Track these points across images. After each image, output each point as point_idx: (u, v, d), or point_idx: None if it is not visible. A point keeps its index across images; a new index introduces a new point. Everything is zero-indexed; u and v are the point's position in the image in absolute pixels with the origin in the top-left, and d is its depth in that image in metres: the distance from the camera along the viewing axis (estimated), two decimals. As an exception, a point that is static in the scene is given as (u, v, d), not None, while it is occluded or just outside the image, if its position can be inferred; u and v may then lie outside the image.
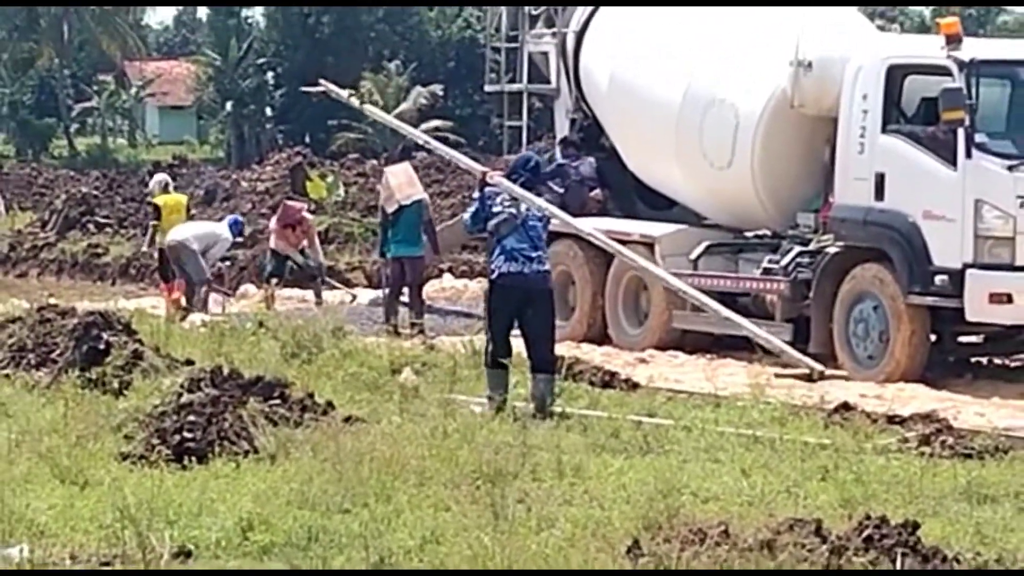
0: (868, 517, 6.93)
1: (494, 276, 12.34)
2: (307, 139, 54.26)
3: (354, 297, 20.91)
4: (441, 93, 57.93)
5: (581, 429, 11.17)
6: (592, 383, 13.58)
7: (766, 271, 16.24)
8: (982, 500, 8.61)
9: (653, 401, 12.67)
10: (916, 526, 6.88)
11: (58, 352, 13.02)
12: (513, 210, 12.25)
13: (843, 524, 6.99)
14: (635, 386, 13.61)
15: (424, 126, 48.20)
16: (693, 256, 16.70)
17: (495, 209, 12.31)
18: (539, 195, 13.62)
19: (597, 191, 18.38)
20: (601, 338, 17.38)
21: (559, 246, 17.43)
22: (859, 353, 15.07)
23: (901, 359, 14.61)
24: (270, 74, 67.64)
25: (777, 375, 14.52)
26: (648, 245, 16.95)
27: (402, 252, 18.31)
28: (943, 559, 6.71)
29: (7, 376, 12.81)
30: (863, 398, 13.22)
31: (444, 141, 39.36)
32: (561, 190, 18.06)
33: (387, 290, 18.87)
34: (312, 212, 24.17)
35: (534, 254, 12.19)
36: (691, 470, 9.42)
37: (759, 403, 12.36)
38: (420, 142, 24.34)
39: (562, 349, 14.74)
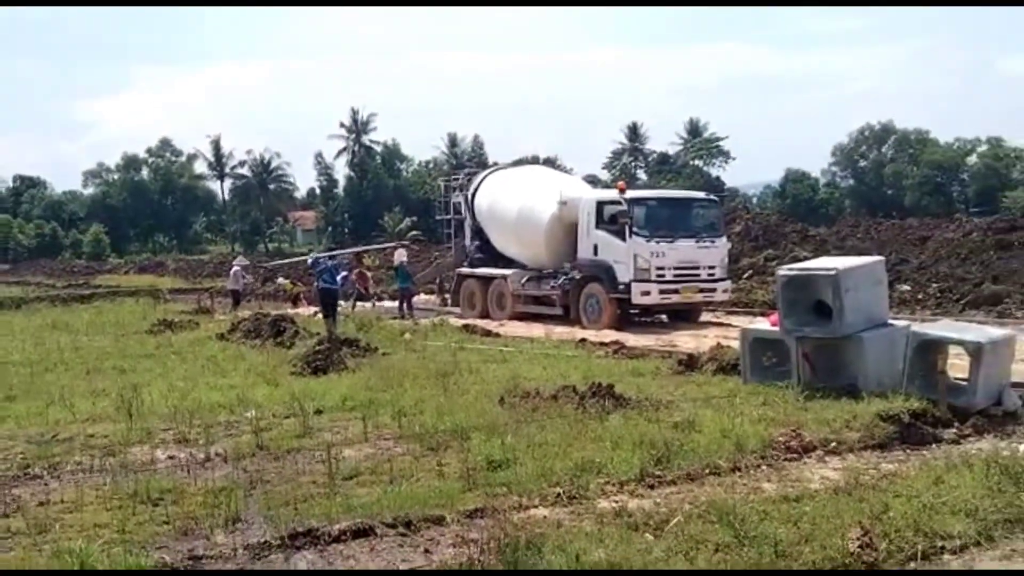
0: (593, 383, 10.63)
1: (319, 289, 22.20)
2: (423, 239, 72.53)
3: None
4: (416, 219, 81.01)
5: (477, 353, 15.91)
6: (480, 334, 19.56)
7: (552, 286, 23.44)
8: (638, 375, 12.84)
9: (506, 341, 18.23)
10: (612, 386, 10.51)
11: (264, 331, 19.04)
12: (326, 264, 22.82)
13: (584, 387, 10.52)
14: (498, 335, 19.62)
15: (411, 233, 70.44)
16: (523, 281, 24.23)
17: (320, 263, 23.04)
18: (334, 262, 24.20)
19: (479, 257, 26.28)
20: (485, 316, 24.61)
21: (470, 280, 26.17)
22: (590, 318, 21.78)
23: (607, 321, 21.33)
24: (346, 215, 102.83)
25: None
26: (504, 278, 24.77)
27: (402, 286, 27.16)
28: (625, 399, 10.13)
29: (243, 343, 18.43)
30: (592, 336, 18.70)
31: (418, 238, 59.71)
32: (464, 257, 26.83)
33: (399, 302, 27.02)
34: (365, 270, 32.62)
35: (332, 281, 22.03)
36: (523, 368, 13.71)
37: (549, 340, 18.23)
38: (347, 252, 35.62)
39: (469, 321, 22.78)
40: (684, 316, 22.39)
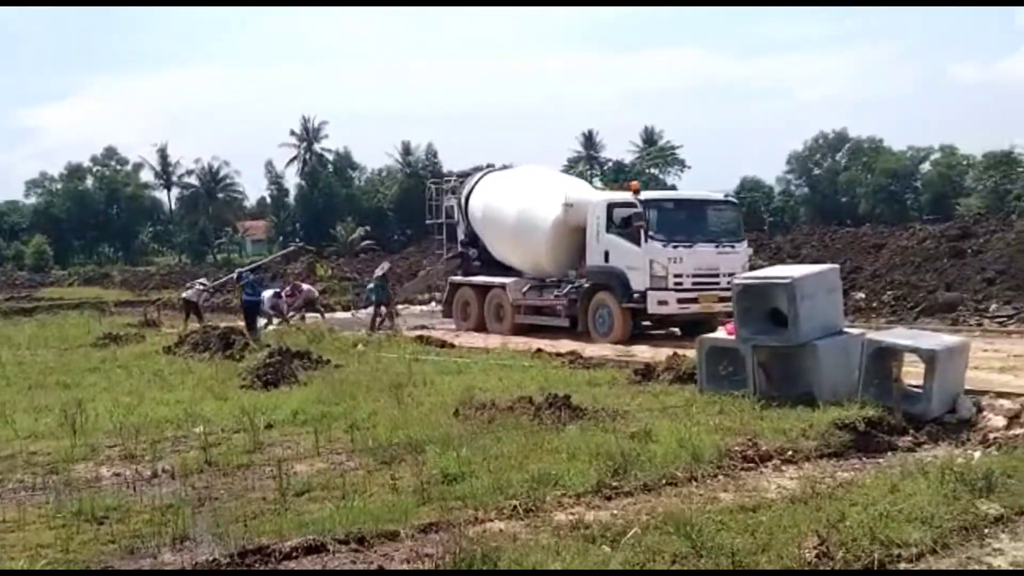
0: (550, 394, 10.58)
1: (244, 300, 22.52)
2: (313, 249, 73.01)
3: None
4: (368, 229, 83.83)
5: (432, 364, 15.84)
6: (436, 345, 19.37)
7: (556, 296, 22.06)
8: (594, 385, 12.81)
9: (461, 352, 18.10)
10: (568, 397, 10.52)
11: (212, 344, 18.84)
12: (251, 278, 23.25)
13: (540, 398, 10.55)
14: (453, 346, 19.39)
15: (364, 243, 73.85)
16: (524, 291, 22.67)
17: (243, 277, 23.31)
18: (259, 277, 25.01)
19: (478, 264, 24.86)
20: (481, 328, 23.29)
21: (464, 289, 24.58)
22: (600, 330, 20.44)
23: (619, 332, 20.07)
24: (297, 224, 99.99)
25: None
26: (502, 287, 23.14)
27: (378, 298, 25.04)
28: (581, 410, 10.17)
29: (191, 356, 18.16)
30: (548, 346, 18.31)
31: (371, 247, 65.62)
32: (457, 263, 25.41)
33: (378, 312, 24.95)
34: (316, 281, 33.13)
35: (254, 294, 22.48)
36: (478, 379, 13.69)
37: (505, 351, 17.90)
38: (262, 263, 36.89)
39: (423, 332, 22.07)
40: (697, 330, 20.57)
